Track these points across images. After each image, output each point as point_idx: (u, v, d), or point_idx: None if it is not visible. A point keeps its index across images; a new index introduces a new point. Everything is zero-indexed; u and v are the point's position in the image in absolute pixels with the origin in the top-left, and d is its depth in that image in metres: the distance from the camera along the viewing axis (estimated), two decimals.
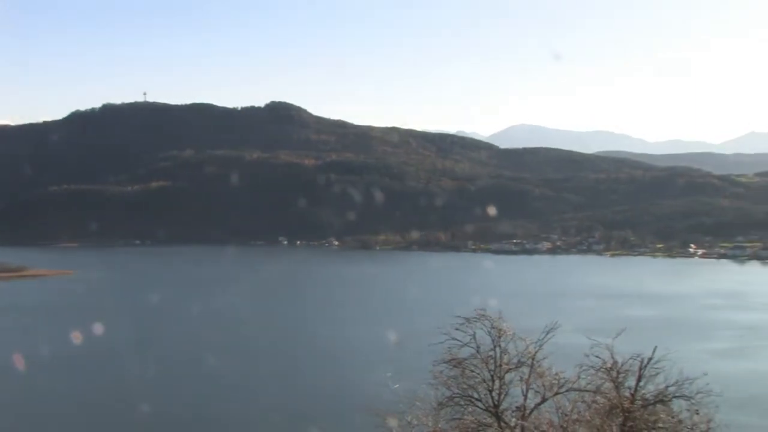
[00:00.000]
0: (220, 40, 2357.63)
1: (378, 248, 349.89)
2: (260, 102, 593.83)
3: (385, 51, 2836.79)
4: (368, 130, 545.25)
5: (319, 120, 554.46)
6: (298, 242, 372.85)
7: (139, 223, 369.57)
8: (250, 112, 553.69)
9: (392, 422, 21.83)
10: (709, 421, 20.21)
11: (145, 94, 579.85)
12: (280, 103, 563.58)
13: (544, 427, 21.03)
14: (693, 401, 20.32)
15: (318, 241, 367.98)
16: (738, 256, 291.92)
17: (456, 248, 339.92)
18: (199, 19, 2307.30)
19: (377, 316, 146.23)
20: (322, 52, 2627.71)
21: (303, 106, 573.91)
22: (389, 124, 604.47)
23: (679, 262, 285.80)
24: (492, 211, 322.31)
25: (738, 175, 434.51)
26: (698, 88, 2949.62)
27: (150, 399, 76.81)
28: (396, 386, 24.45)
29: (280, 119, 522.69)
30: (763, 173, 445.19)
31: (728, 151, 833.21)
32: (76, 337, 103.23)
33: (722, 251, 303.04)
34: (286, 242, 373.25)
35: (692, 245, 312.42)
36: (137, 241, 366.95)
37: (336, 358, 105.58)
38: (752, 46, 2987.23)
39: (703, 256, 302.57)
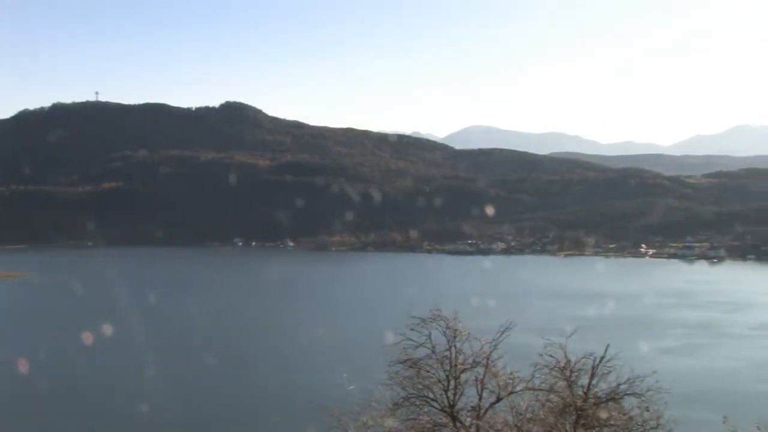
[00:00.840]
0: (175, 40, 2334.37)
1: (333, 249, 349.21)
2: (215, 102, 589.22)
3: (340, 52, 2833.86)
4: (324, 131, 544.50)
5: (275, 121, 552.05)
6: (254, 243, 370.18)
7: (91, 224, 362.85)
8: (205, 112, 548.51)
9: (348, 423, 21.78)
10: (658, 417, 20.59)
11: (97, 93, 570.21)
12: (235, 103, 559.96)
13: (499, 427, 21.19)
14: (643, 398, 20.70)
15: (273, 242, 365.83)
16: (687, 255, 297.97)
17: (411, 249, 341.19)
18: (153, 18, 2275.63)
19: (333, 317, 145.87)
20: (278, 53, 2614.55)
21: (258, 106, 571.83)
22: (345, 125, 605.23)
23: (630, 262, 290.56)
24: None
25: (686, 177, 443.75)
26: (649, 92, 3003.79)
27: (105, 401, 75.58)
28: (352, 387, 24.44)
29: (235, 120, 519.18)
30: (710, 174, 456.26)
31: (677, 153, 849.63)
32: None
33: (672, 251, 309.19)
34: (241, 243, 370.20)
35: (643, 245, 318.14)
36: (89, 243, 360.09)
37: (292, 359, 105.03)
38: (698, 53, 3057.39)
39: (653, 255, 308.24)
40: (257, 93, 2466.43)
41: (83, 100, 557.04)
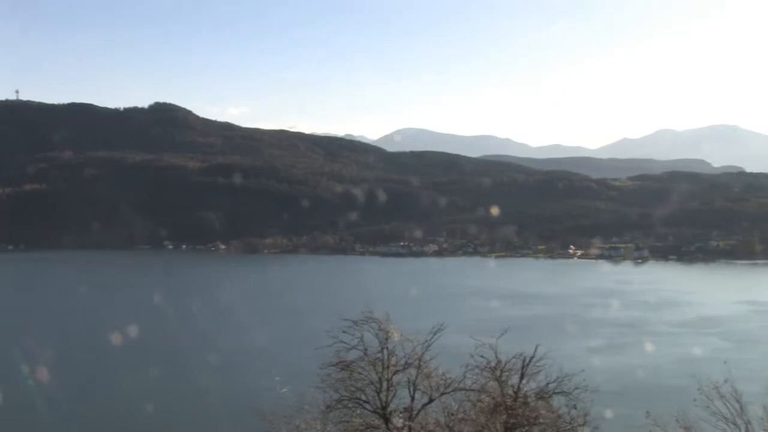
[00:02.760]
0: (101, 38, 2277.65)
1: (265, 252, 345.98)
2: (143, 103, 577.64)
3: (272, 54, 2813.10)
4: (256, 133, 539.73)
5: (206, 122, 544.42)
6: (184, 246, 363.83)
7: (13, 227, 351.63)
8: (133, 113, 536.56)
9: (280, 426, 21.63)
10: (585, 414, 21.06)
11: (17, 92, 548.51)
12: (164, 104, 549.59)
13: (431, 427, 21.33)
14: (571, 396, 21.13)
15: (204, 244, 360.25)
16: (613, 256, 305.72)
17: (344, 251, 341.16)
18: (78, 16, 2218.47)
19: (264, 320, 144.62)
20: (209, 54, 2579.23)
21: (189, 108, 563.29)
22: (277, 128, 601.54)
23: (559, 263, 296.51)
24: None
25: (612, 179, 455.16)
26: (576, 96, 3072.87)
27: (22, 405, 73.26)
28: (284, 390, 24.30)
29: (165, 121, 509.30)
30: (635, 177, 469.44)
31: (603, 156, 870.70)
32: None
33: (599, 252, 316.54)
34: (171, 246, 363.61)
35: (572, 246, 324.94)
36: (10, 246, 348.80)
37: (223, 364, 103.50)
38: (624, 59, 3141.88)
39: (581, 256, 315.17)
40: (187, 94, 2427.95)
41: (2, 99, 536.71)
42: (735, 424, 19.78)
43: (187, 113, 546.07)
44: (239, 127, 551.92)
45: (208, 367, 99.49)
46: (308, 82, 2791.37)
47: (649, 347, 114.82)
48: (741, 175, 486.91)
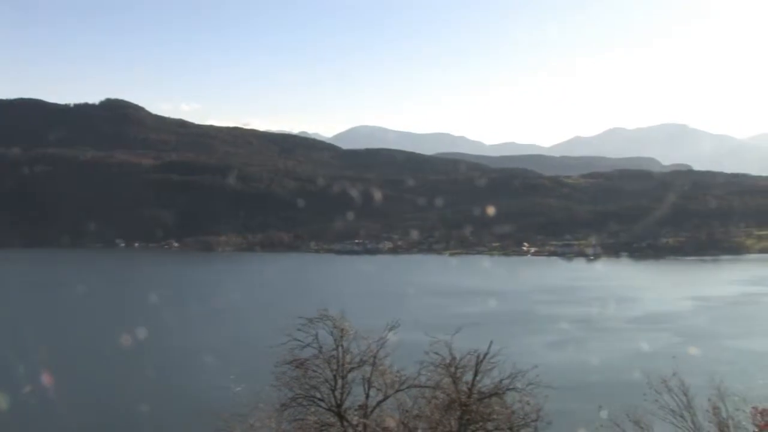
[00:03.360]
0: (48, 32, 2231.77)
1: (220, 250, 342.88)
2: (95, 99, 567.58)
3: (225, 51, 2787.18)
4: (210, 130, 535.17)
5: (159, 119, 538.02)
6: (136, 245, 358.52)
7: None
8: (84, 109, 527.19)
9: (235, 425, 21.47)
10: (539, 410, 21.32)
11: None
12: (116, 100, 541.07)
13: (386, 424, 21.39)
14: (525, 392, 21.37)
15: (157, 242, 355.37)
16: (566, 253, 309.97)
17: (299, 249, 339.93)
18: (25, 10, 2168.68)
19: (218, 318, 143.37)
20: (159, 49, 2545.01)
21: (141, 104, 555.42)
22: (231, 125, 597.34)
23: (513, 260, 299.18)
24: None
25: (565, 177, 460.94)
26: (530, 95, 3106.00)
27: None
28: (238, 389, 24.11)
29: (117, 118, 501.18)
30: (587, 175, 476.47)
31: (556, 154, 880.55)
32: None
33: (552, 249, 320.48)
34: (123, 244, 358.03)
35: (525, 243, 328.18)
36: None
37: (177, 363, 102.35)
38: (577, 58, 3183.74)
39: (535, 253, 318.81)
40: (138, 90, 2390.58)
41: None
42: (682, 416, 20.31)
43: (140, 110, 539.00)
44: (193, 124, 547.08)
45: (160, 367, 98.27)
46: (261, 78, 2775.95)
47: (601, 343, 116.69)
48: (689, 173, 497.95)
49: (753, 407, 20.20)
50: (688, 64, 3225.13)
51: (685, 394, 20.50)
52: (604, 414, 21.44)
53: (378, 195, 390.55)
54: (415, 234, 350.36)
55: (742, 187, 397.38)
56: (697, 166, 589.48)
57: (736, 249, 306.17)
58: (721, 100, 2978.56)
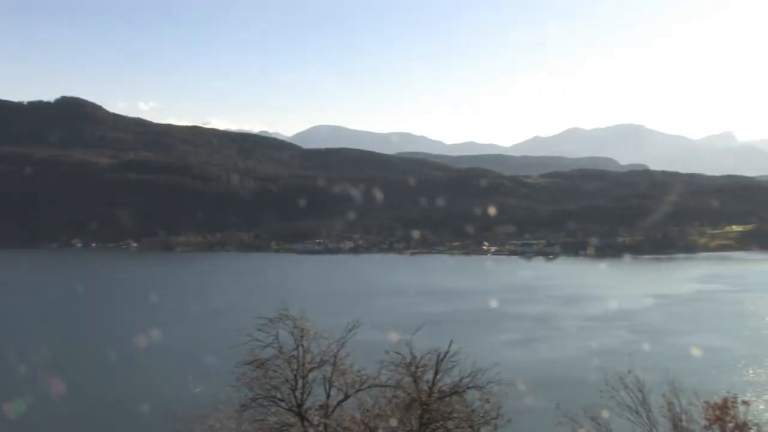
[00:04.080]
0: (2, 29, 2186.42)
1: (179, 249, 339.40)
2: (50, 97, 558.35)
3: (183, 49, 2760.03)
4: (169, 129, 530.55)
5: (116, 117, 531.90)
6: (94, 245, 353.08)
7: None
8: (39, 107, 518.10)
9: (194, 427, 21.31)
10: (499, 408, 21.51)
11: None
12: (71, 98, 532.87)
13: (347, 424, 21.41)
14: (485, 391, 21.54)
15: (115, 243, 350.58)
16: (526, 252, 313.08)
17: (259, 248, 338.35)
18: None
19: (177, 319, 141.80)
20: (115, 47, 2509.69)
21: (98, 102, 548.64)
22: (190, 123, 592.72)
23: (473, 259, 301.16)
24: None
25: (525, 177, 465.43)
26: (490, 95, 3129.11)
27: None
28: (198, 390, 23.95)
29: (73, 116, 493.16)
30: (546, 175, 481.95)
31: (516, 154, 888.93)
32: None
33: (512, 248, 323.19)
34: (80, 245, 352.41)
35: (485, 243, 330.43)
36: None
37: (135, 365, 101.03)
38: (536, 59, 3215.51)
39: (495, 253, 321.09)
40: (93, 88, 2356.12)
41: None
42: (638, 412, 20.74)
43: (97, 108, 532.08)
44: (151, 123, 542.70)
45: (117, 369, 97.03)
46: (221, 77, 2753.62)
47: (559, 341, 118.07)
48: (646, 173, 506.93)
49: (705, 402, 20.68)
50: (643, 66, 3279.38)
51: (641, 391, 20.92)
52: (562, 411, 21.76)
53: (338, 194, 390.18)
54: (375, 233, 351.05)
55: (697, 187, 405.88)
56: (653, 166, 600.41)
57: (690, 248, 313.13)
58: (675, 101, 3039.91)
